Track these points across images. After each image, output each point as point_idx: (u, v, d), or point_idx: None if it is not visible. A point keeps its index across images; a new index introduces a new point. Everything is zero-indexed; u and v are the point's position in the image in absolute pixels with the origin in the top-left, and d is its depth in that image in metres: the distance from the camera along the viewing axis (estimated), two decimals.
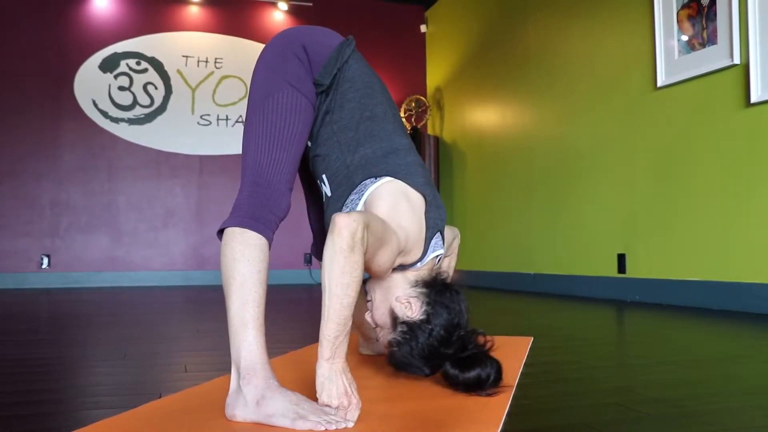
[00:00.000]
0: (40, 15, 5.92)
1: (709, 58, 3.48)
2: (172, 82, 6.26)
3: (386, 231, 1.29)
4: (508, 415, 1.23)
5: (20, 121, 5.80)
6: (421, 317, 1.37)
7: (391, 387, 1.44)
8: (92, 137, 6.00)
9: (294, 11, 6.66)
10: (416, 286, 1.42)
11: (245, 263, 1.24)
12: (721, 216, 3.42)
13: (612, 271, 4.18)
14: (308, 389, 1.37)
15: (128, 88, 6.13)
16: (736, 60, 3.30)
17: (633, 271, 4.01)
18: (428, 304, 1.38)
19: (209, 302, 4.08)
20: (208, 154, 6.31)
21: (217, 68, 6.39)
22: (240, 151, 6.33)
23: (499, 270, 5.51)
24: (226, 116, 6.39)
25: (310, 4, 6.66)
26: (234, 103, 6.43)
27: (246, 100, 6.43)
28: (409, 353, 1.36)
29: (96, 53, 6.06)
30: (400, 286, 1.43)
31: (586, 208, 4.45)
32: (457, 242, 1.87)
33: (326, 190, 1.50)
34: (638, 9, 4.00)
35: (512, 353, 1.96)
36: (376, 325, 1.53)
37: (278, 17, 6.63)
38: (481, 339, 1.42)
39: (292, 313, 3.40)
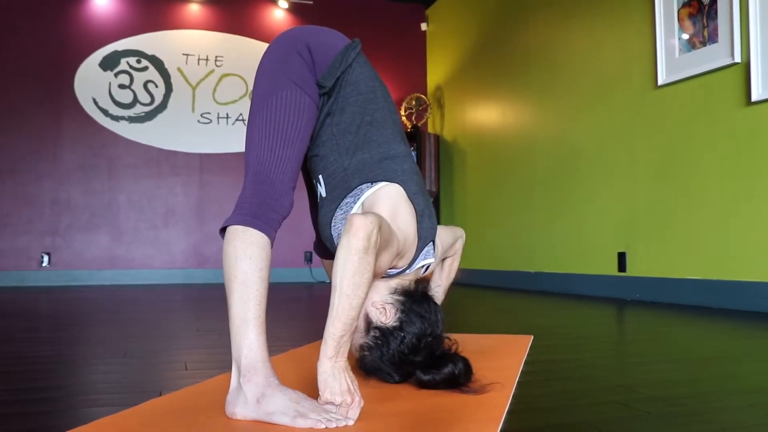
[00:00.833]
0: (41, 13, 5.92)
1: (710, 57, 3.48)
2: (173, 80, 6.26)
3: (391, 233, 1.30)
4: (509, 413, 1.23)
5: (21, 119, 5.80)
6: (395, 324, 1.39)
7: (392, 385, 1.44)
8: (93, 135, 5.99)
9: (294, 9, 6.65)
10: (394, 293, 1.43)
11: (247, 261, 1.24)
12: (721, 214, 3.42)
13: (612, 269, 4.18)
14: (308, 387, 1.38)
15: (129, 86, 6.13)
16: (737, 58, 3.30)
17: (633, 270, 4.01)
18: (403, 312, 1.40)
19: (209, 300, 4.08)
20: (208, 152, 6.31)
21: (217, 66, 6.38)
22: (240, 150, 6.33)
23: (499, 268, 5.52)
24: (227, 114, 6.39)
25: (311, 2, 6.66)
26: (234, 102, 6.42)
27: (247, 99, 6.43)
28: (379, 358, 1.39)
29: (96, 51, 6.06)
30: (379, 291, 1.44)
31: (587, 207, 4.45)
32: (460, 243, 1.87)
33: (321, 190, 1.51)
34: (639, 7, 4.00)
35: (513, 351, 1.96)
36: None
37: (279, 15, 6.63)
38: (447, 343, 1.45)
39: (293, 311, 3.40)
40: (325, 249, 1.78)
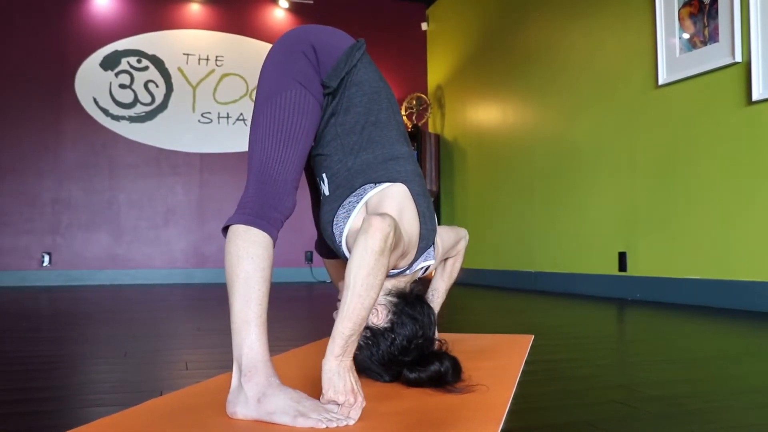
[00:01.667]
0: (41, 13, 5.92)
1: (711, 56, 3.48)
2: (173, 80, 6.26)
3: (400, 235, 1.31)
4: (510, 412, 1.23)
5: (21, 119, 5.80)
6: (386, 325, 1.39)
7: (393, 385, 1.44)
8: (93, 135, 5.99)
9: (295, 9, 6.65)
10: (389, 294, 1.44)
11: (249, 261, 1.24)
12: (722, 214, 3.42)
13: (613, 269, 4.18)
14: (309, 387, 1.38)
15: (129, 86, 6.13)
16: (738, 58, 3.30)
17: (634, 269, 4.01)
18: (395, 313, 1.41)
19: (210, 300, 4.08)
20: (209, 152, 6.31)
21: (218, 66, 6.38)
22: (241, 149, 6.33)
23: (499, 268, 5.52)
24: (227, 114, 6.39)
25: (311, 2, 6.66)
26: (235, 101, 6.42)
27: (247, 98, 6.43)
28: (369, 358, 1.40)
29: (97, 51, 6.06)
30: None
31: (587, 206, 4.45)
32: (463, 244, 1.88)
33: (324, 188, 1.51)
34: (639, 7, 3.99)
35: (513, 351, 1.96)
36: None
37: (279, 15, 6.63)
38: (438, 345, 1.46)
39: (294, 310, 3.40)
40: (327, 248, 1.78)
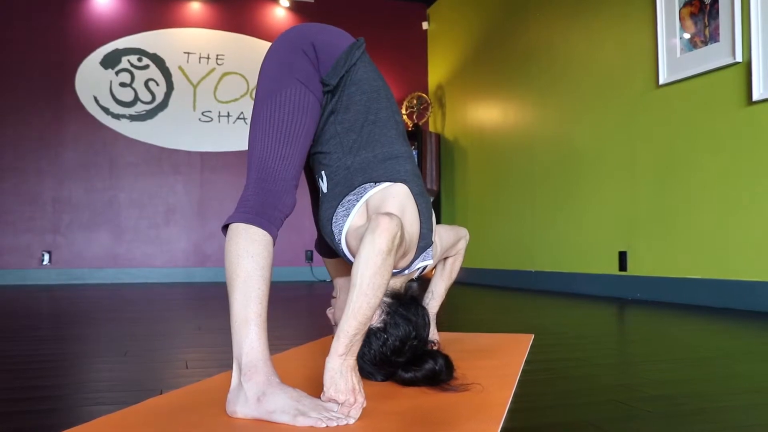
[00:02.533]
0: (42, 11, 5.92)
1: (711, 56, 3.48)
2: (174, 79, 6.26)
3: (403, 234, 1.31)
4: (509, 411, 1.23)
5: (22, 117, 5.80)
6: (378, 325, 1.39)
7: (392, 384, 1.44)
8: (94, 134, 6.00)
9: (296, 8, 6.65)
10: (383, 294, 1.44)
11: (249, 259, 1.24)
12: (722, 214, 3.42)
13: (613, 268, 4.18)
14: (309, 386, 1.38)
15: (130, 85, 6.13)
16: (738, 58, 3.29)
17: (634, 269, 4.01)
18: (388, 314, 1.41)
19: (210, 299, 4.08)
20: (209, 150, 6.31)
21: (218, 65, 6.38)
22: (241, 148, 6.33)
23: (500, 267, 5.51)
24: (228, 113, 6.39)
25: (312, 1, 6.66)
26: (235, 100, 6.42)
27: (248, 97, 6.43)
28: (361, 358, 1.40)
29: (97, 49, 6.06)
30: None
31: (588, 206, 4.44)
32: (463, 243, 1.87)
33: (323, 186, 1.51)
34: (640, 7, 3.99)
35: (513, 350, 1.96)
36: (335, 324, 1.57)
37: (280, 14, 6.63)
38: (431, 346, 1.47)
39: (294, 310, 3.40)
40: (327, 248, 1.78)
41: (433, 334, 1.83)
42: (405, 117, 6.57)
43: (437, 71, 6.83)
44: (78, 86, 5.97)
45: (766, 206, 3.18)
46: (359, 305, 1.15)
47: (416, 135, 6.37)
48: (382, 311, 1.40)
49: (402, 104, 6.63)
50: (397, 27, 6.97)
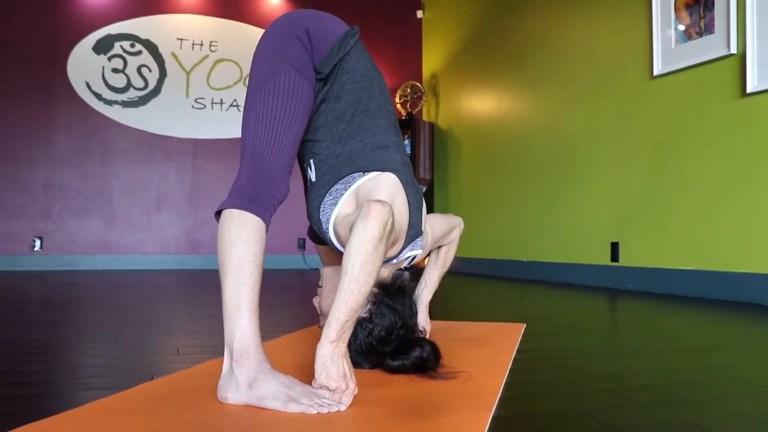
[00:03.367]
0: None
1: (706, 48, 3.48)
2: (167, 65, 6.21)
3: (394, 222, 1.30)
4: (501, 399, 1.24)
5: (13, 103, 5.75)
6: (364, 315, 1.39)
7: (383, 372, 1.44)
8: (86, 120, 5.95)
9: None
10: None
11: (241, 245, 1.23)
12: (715, 206, 3.43)
13: (605, 259, 4.19)
14: (301, 373, 1.38)
15: (122, 71, 6.08)
16: (733, 50, 3.29)
17: (626, 260, 4.02)
18: (374, 303, 1.41)
19: (202, 286, 4.07)
20: (202, 137, 6.28)
21: (212, 51, 6.34)
22: (234, 135, 6.30)
23: (492, 257, 5.53)
24: (221, 100, 6.35)
25: None
26: (229, 87, 6.39)
27: (241, 84, 6.40)
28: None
29: (90, 35, 6.00)
30: None
31: (581, 197, 4.45)
32: (457, 232, 1.87)
33: (311, 175, 1.51)
34: None
35: (505, 339, 1.97)
36: (322, 313, 1.56)
37: (274, 1, 6.58)
38: (418, 334, 1.48)
39: (286, 297, 3.40)
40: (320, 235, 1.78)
41: (426, 322, 1.83)
42: (398, 106, 6.55)
43: (431, 60, 6.81)
44: (70, 72, 5.92)
45: (759, 198, 3.20)
46: (350, 292, 1.15)
47: (410, 124, 6.35)
48: (368, 301, 1.40)
49: (396, 93, 6.61)
50: (391, 15, 6.93)
